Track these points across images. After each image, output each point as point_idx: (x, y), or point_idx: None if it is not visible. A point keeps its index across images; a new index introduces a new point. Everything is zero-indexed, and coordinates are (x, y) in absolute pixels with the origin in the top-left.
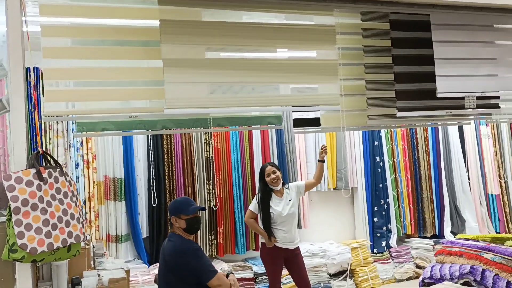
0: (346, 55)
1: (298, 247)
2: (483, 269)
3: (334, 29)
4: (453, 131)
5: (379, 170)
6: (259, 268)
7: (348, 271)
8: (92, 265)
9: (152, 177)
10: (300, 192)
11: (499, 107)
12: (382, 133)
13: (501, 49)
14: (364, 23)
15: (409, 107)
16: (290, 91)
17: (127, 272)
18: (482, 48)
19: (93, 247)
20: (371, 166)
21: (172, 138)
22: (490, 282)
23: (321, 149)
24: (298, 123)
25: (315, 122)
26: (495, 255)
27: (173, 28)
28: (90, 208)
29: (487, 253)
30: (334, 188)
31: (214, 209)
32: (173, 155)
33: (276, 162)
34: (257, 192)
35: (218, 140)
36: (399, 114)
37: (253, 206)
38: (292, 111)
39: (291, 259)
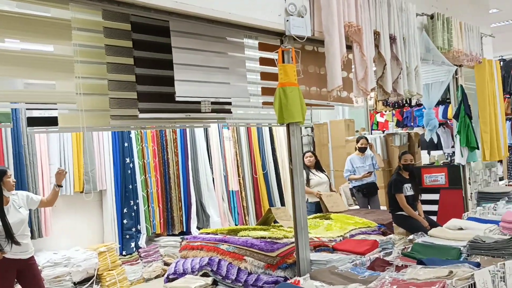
0: (86, 52)
1: (32, 256)
2: (219, 259)
3: (70, 24)
4: (199, 133)
5: (129, 171)
6: None
7: (94, 277)
8: None
9: None
10: (30, 204)
11: (231, 112)
12: (133, 135)
13: (232, 60)
14: (106, 22)
15: (151, 109)
16: (23, 86)
17: None
18: (217, 57)
19: None
20: (121, 168)
21: None
22: (224, 271)
23: (58, 173)
24: (36, 122)
25: (55, 121)
26: (230, 246)
27: None
28: None
29: (223, 244)
30: (81, 192)
31: None
32: None
33: (12, 164)
34: None
35: None
36: (141, 115)
37: None
38: (27, 109)
39: (25, 271)
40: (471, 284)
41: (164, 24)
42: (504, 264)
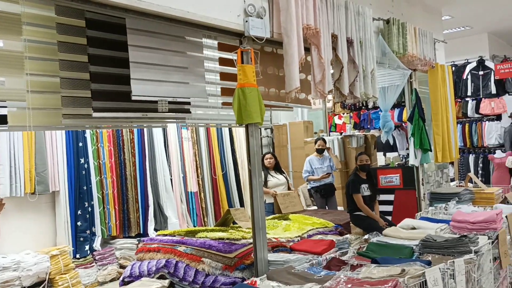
0: (37, 48)
1: None
2: (176, 261)
3: (19, 18)
4: (157, 133)
5: (84, 172)
6: None
7: (46, 281)
8: None
9: None
10: None
11: (190, 112)
12: (88, 134)
13: (191, 59)
14: (59, 18)
15: (106, 108)
16: None
17: None
18: (175, 57)
19: None
20: (75, 168)
21: None
22: (181, 273)
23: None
24: None
25: (4, 119)
26: (187, 247)
27: None
28: None
29: (180, 246)
30: (32, 193)
31: None
32: None
33: None
34: None
35: None
36: (95, 114)
37: None
38: None
39: None
40: (423, 281)
41: (121, 21)
42: (453, 262)
